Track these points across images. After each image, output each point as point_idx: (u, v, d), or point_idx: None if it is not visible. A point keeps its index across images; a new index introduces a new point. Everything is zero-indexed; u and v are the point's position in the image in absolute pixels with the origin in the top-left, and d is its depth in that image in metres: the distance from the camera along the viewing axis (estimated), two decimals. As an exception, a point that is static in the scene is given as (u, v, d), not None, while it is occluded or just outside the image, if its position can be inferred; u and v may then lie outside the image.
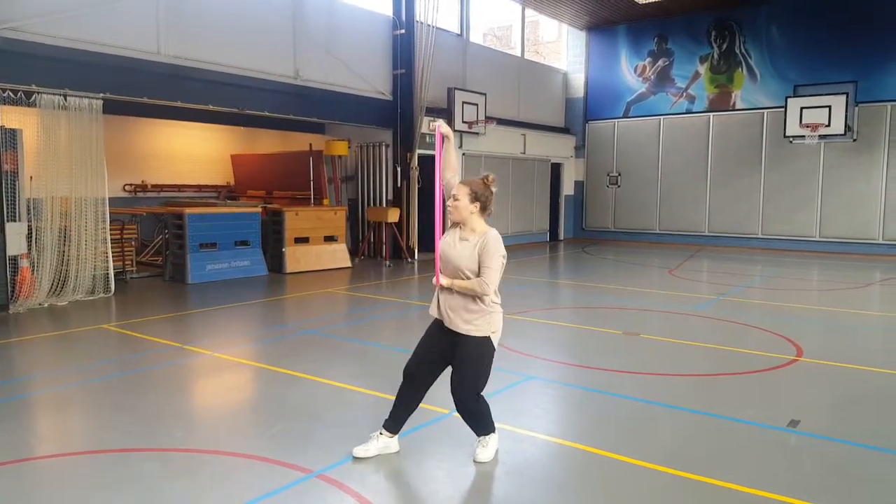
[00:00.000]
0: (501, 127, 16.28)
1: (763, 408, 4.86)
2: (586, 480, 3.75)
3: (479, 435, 3.87)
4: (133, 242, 11.21)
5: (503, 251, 3.64)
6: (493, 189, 3.71)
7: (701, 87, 17.42)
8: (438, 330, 3.77)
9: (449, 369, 3.80)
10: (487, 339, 3.67)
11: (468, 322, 3.64)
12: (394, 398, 3.92)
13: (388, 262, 13.22)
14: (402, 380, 3.88)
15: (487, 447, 3.84)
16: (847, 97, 14.50)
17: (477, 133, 15.16)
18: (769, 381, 5.58)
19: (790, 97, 15.36)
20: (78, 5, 8.82)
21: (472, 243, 3.63)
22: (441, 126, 3.70)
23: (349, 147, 14.15)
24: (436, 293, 3.75)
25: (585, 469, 3.89)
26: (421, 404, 3.96)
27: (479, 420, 3.82)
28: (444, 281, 3.66)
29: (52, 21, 8.58)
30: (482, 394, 3.79)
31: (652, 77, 18.12)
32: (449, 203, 3.69)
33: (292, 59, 11.79)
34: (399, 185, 13.81)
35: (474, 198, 3.65)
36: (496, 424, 3.92)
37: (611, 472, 3.81)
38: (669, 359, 6.32)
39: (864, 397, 5.24)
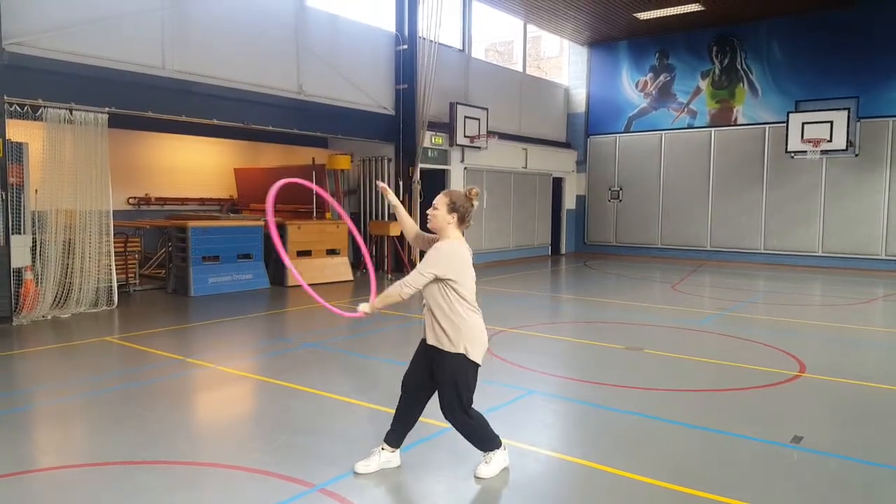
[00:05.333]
0: (503, 141, 16.34)
1: (766, 423, 4.85)
2: (588, 496, 3.74)
3: (483, 451, 3.86)
4: (136, 255, 11.25)
5: (445, 264, 3.57)
6: (475, 202, 3.75)
7: (702, 102, 17.49)
8: (424, 344, 3.79)
9: None
10: (462, 356, 3.62)
11: (439, 338, 3.64)
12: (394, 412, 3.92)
13: (390, 276, 13.23)
14: (401, 392, 3.90)
15: (490, 464, 3.82)
16: (849, 112, 14.55)
17: (479, 147, 15.22)
18: (772, 397, 5.57)
19: (792, 112, 15.42)
20: (84, 21, 8.90)
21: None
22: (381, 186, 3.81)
23: (352, 161, 14.22)
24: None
25: (587, 484, 3.88)
26: (422, 419, 3.97)
27: (476, 437, 3.81)
28: (365, 308, 3.67)
29: (58, 36, 8.66)
30: (474, 410, 3.77)
31: (653, 92, 18.21)
32: (429, 212, 3.75)
33: (296, 74, 11.87)
34: (401, 198, 13.85)
35: (452, 208, 3.68)
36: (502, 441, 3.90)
37: (613, 487, 3.80)
38: (672, 374, 6.31)
39: (867, 413, 5.23)
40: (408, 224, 4.03)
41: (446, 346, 3.62)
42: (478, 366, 3.70)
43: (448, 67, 14.72)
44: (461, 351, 3.61)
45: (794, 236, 16.20)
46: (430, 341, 3.68)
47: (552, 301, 11.37)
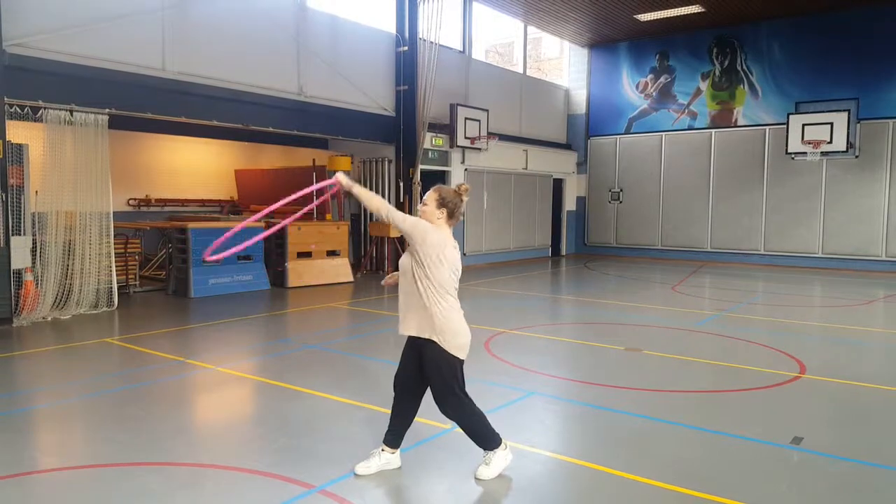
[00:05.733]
0: (503, 143, 16.35)
1: (766, 425, 4.85)
2: (589, 497, 3.74)
3: (483, 449, 3.86)
4: (137, 256, 11.26)
5: (425, 230, 3.59)
6: (465, 198, 3.79)
7: (703, 103, 17.50)
8: (409, 341, 3.82)
9: None
10: (439, 349, 3.62)
11: (417, 326, 3.66)
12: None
13: (390, 277, 13.22)
14: (394, 392, 3.91)
15: (490, 465, 3.82)
16: (849, 114, 14.56)
17: (479, 149, 15.23)
18: (772, 398, 5.57)
19: (792, 114, 15.44)
20: (84, 22, 8.91)
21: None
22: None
23: (352, 162, 14.23)
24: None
25: (588, 486, 3.88)
26: (422, 420, 3.97)
27: (475, 433, 3.81)
28: (342, 178, 3.70)
29: (58, 37, 8.67)
30: (476, 406, 3.78)
31: (654, 93, 18.22)
32: (419, 208, 3.80)
33: (296, 76, 11.88)
34: (401, 199, 13.86)
35: (441, 204, 3.72)
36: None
37: (613, 488, 3.80)
38: (672, 375, 6.31)
39: (867, 414, 5.23)
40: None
41: (424, 334, 3.64)
42: (459, 360, 3.70)
43: (448, 69, 14.74)
44: (435, 339, 3.62)
45: (795, 237, 16.20)
46: (411, 331, 3.69)
47: (552, 302, 11.37)
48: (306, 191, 3.90)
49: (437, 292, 3.61)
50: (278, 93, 11.57)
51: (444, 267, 3.62)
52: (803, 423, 4.95)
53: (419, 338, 3.67)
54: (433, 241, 3.60)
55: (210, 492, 3.68)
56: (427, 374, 3.71)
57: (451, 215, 3.73)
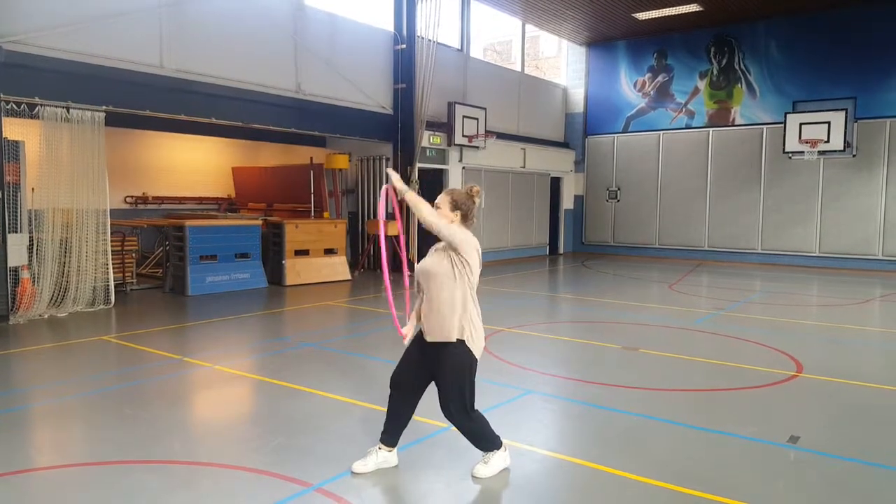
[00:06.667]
0: (501, 141, 16.35)
1: (763, 423, 4.86)
2: (586, 495, 3.74)
3: (482, 451, 3.86)
4: (134, 254, 11.23)
5: (474, 243, 3.65)
6: (477, 200, 3.77)
7: (700, 102, 17.51)
8: (420, 341, 3.77)
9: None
10: (465, 348, 3.62)
11: (447, 330, 3.60)
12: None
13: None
14: (390, 391, 3.89)
15: (488, 464, 3.82)
16: (846, 113, 14.57)
17: (477, 147, 15.22)
18: (769, 397, 5.58)
19: (789, 113, 15.44)
20: (81, 19, 8.89)
21: (444, 246, 3.68)
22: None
23: (350, 160, 14.21)
24: (415, 307, 3.81)
25: (585, 484, 3.88)
26: (421, 418, 3.97)
27: (477, 437, 3.81)
28: (396, 181, 3.79)
29: (55, 34, 8.64)
30: (476, 409, 3.77)
31: (651, 92, 18.22)
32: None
33: (294, 73, 11.86)
34: (399, 198, 13.82)
35: (454, 206, 3.71)
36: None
37: (610, 486, 3.80)
38: (669, 374, 6.32)
39: (864, 413, 5.23)
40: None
41: (453, 336, 3.60)
42: (476, 359, 3.70)
43: (446, 67, 14.72)
44: (463, 338, 3.61)
45: (792, 236, 16.22)
46: (434, 336, 3.63)
47: (550, 301, 11.37)
48: (382, 205, 3.90)
49: (472, 292, 3.67)
50: (276, 90, 11.55)
51: (479, 265, 3.70)
52: (800, 421, 4.96)
53: (447, 342, 3.61)
54: (473, 244, 3.64)
55: (207, 490, 3.67)
56: (443, 373, 3.65)
57: (466, 217, 3.72)
